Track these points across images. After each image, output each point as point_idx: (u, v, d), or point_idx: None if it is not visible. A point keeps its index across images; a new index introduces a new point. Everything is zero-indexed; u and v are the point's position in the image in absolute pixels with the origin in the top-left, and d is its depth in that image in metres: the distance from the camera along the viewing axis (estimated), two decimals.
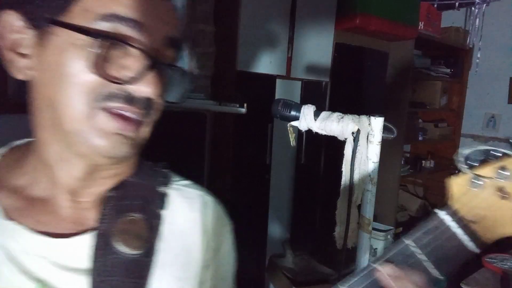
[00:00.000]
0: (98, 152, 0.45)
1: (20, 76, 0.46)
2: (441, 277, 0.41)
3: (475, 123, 3.34)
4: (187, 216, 0.55)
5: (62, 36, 0.43)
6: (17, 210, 0.48)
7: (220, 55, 1.84)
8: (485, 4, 3.15)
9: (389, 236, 1.45)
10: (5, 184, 0.50)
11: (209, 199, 0.59)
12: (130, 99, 0.45)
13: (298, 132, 0.93)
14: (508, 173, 0.40)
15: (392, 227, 1.52)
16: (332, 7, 2.18)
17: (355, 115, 0.86)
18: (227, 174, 1.89)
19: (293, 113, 0.90)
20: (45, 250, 0.46)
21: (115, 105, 0.44)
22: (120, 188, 0.52)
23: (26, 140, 0.54)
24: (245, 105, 1.52)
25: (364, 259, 0.89)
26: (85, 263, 0.47)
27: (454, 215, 0.42)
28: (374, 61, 2.56)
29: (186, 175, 0.61)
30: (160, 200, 0.54)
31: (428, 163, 3.32)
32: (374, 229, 1.19)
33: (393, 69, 2.67)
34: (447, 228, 0.42)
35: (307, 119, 0.88)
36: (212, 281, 0.58)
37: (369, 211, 0.88)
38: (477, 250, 0.41)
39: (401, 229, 2.55)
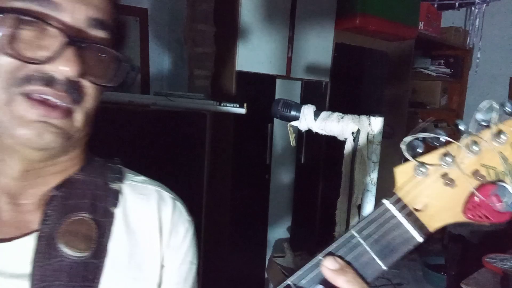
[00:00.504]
0: (22, 143, 0.42)
1: None
2: (385, 268, 0.40)
3: None
4: (142, 213, 0.53)
5: None
6: None
7: (220, 55, 1.84)
8: (485, 4, 3.16)
9: None
10: None
11: (166, 195, 0.57)
12: (49, 81, 0.42)
13: (298, 132, 0.93)
14: (451, 160, 0.39)
15: None
16: (332, 7, 2.18)
17: (355, 115, 0.86)
18: (227, 174, 1.90)
19: (293, 113, 0.90)
20: None
21: (34, 88, 0.41)
22: (64, 186, 0.49)
23: None
24: (245, 105, 1.52)
25: None
26: (27, 268, 0.44)
27: (398, 203, 0.41)
28: (374, 61, 2.56)
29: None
30: (112, 197, 0.51)
31: None
32: None
33: (393, 69, 2.67)
34: (391, 217, 0.41)
35: (307, 119, 0.88)
36: (173, 280, 0.55)
37: (369, 211, 0.88)
38: (421, 239, 0.40)
39: None
